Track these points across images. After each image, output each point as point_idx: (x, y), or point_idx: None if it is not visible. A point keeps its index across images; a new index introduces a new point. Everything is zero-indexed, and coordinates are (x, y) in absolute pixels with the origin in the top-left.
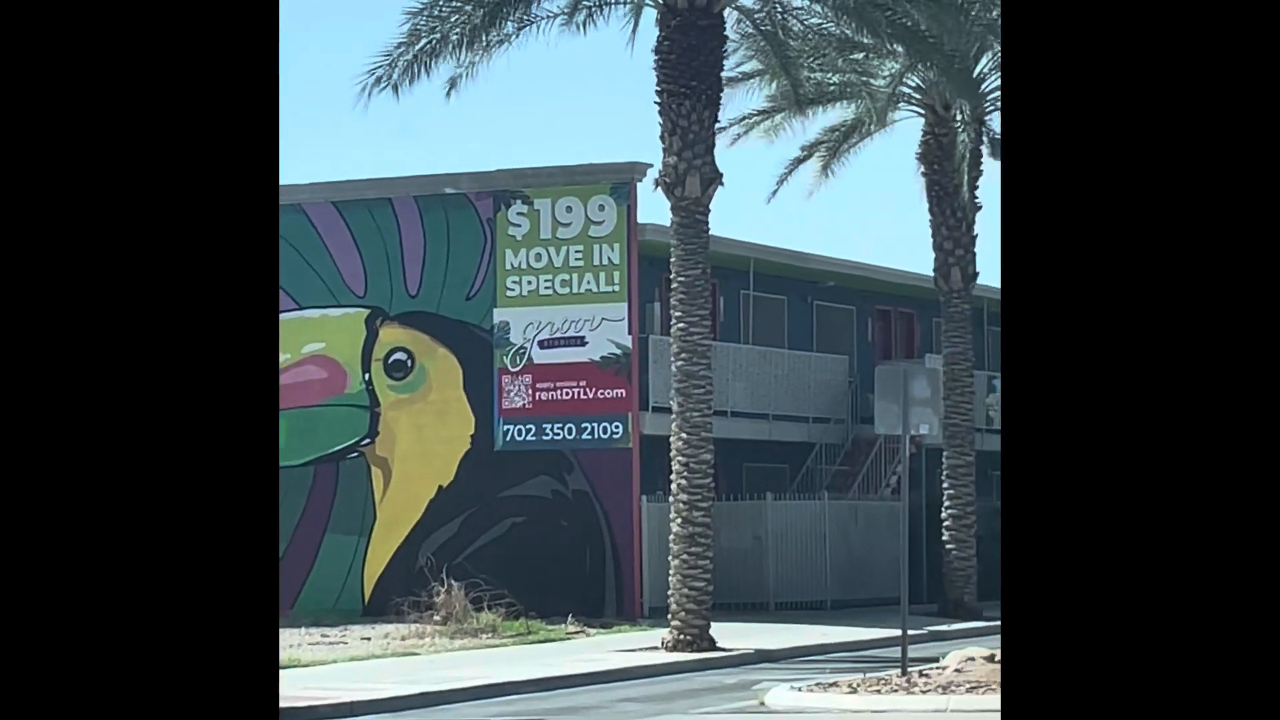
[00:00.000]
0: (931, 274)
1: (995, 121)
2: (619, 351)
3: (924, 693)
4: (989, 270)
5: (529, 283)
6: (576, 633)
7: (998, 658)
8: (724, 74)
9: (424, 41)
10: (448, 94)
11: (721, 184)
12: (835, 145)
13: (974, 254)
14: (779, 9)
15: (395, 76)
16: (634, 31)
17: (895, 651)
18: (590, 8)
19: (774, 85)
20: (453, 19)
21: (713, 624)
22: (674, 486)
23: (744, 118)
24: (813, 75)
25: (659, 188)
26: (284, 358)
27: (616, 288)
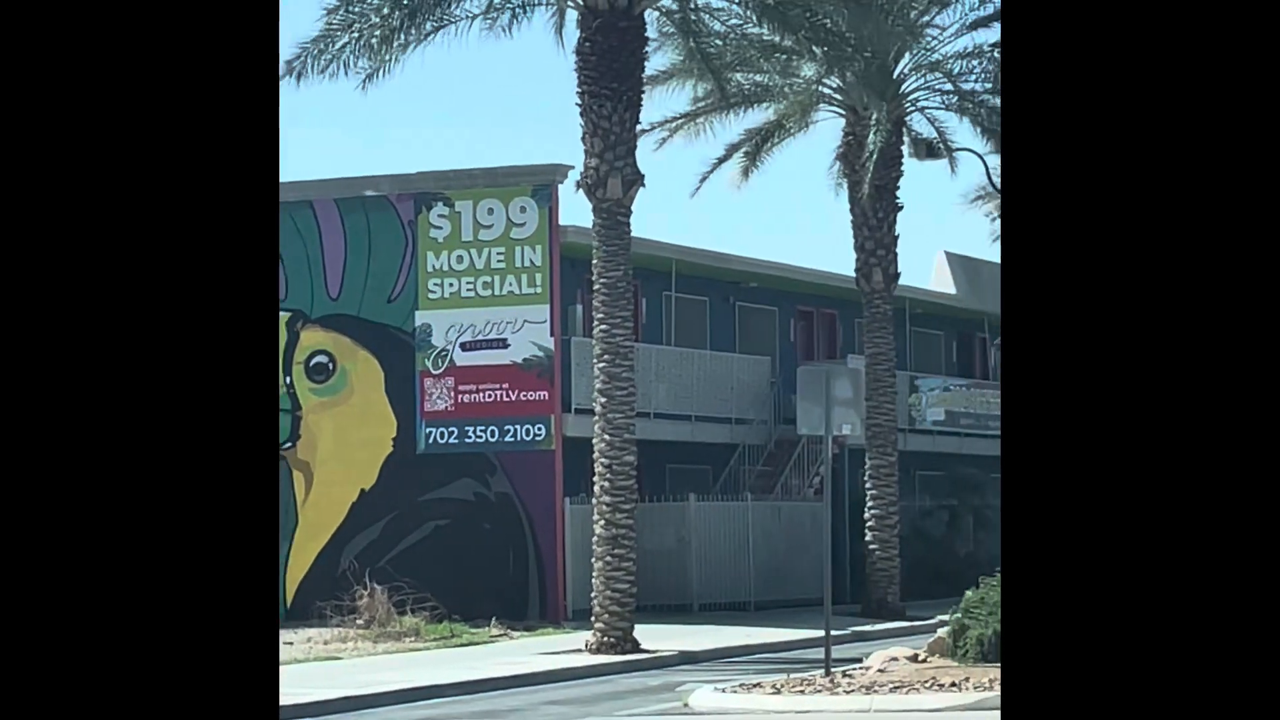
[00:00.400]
0: (853, 274)
1: (916, 122)
2: (541, 354)
3: (847, 693)
4: (910, 270)
5: (450, 285)
6: (500, 635)
7: (921, 657)
8: (646, 75)
9: (342, 40)
10: (362, 87)
11: (643, 185)
12: (757, 146)
13: (895, 254)
14: (700, 11)
15: (312, 73)
16: (559, 31)
17: (819, 652)
18: (512, 9)
19: (697, 87)
20: (372, 18)
21: (636, 626)
22: (597, 488)
23: (667, 121)
24: (735, 76)
25: (580, 189)
26: None
27: (538, 290)
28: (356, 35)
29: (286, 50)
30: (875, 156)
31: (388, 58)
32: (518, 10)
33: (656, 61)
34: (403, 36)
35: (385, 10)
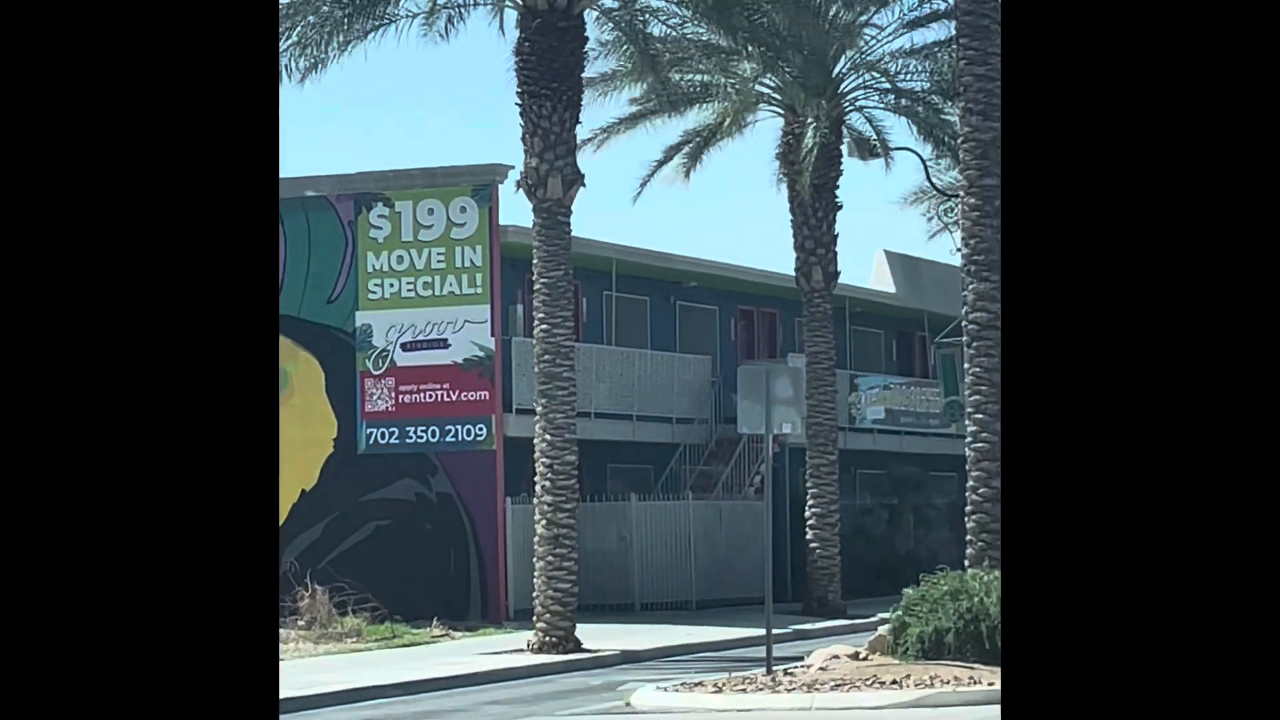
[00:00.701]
0: (793, 273)
1: (856, 121)
2: (482, 354)
3: (789, 691)
4: (849, 269)
5: (391, 285)
6: (441, 636)
7: (862, 655)
8: (585, 77)
9: (286, 37)
10: (301, 81)
11: (583, 185)
12: (697, 147)
13: (835, 253)
14: (640, 11)
15: None
16: (500, 28)
17: (760, 651)
18: (450, 10)
19: (637, 87)
20: (310, 17)
21: (578, 625)
22: (538, 488)
23: (609, 128)
24: (674, 77)
25: (521, 189)
26: None
27: (479, 290)
28: (295, 35)
29: None
30: (814, 155)
31: (326, 56)
32: (458, 10)
33: (595, 65)
34: (341, 35)
35: (324, 9)
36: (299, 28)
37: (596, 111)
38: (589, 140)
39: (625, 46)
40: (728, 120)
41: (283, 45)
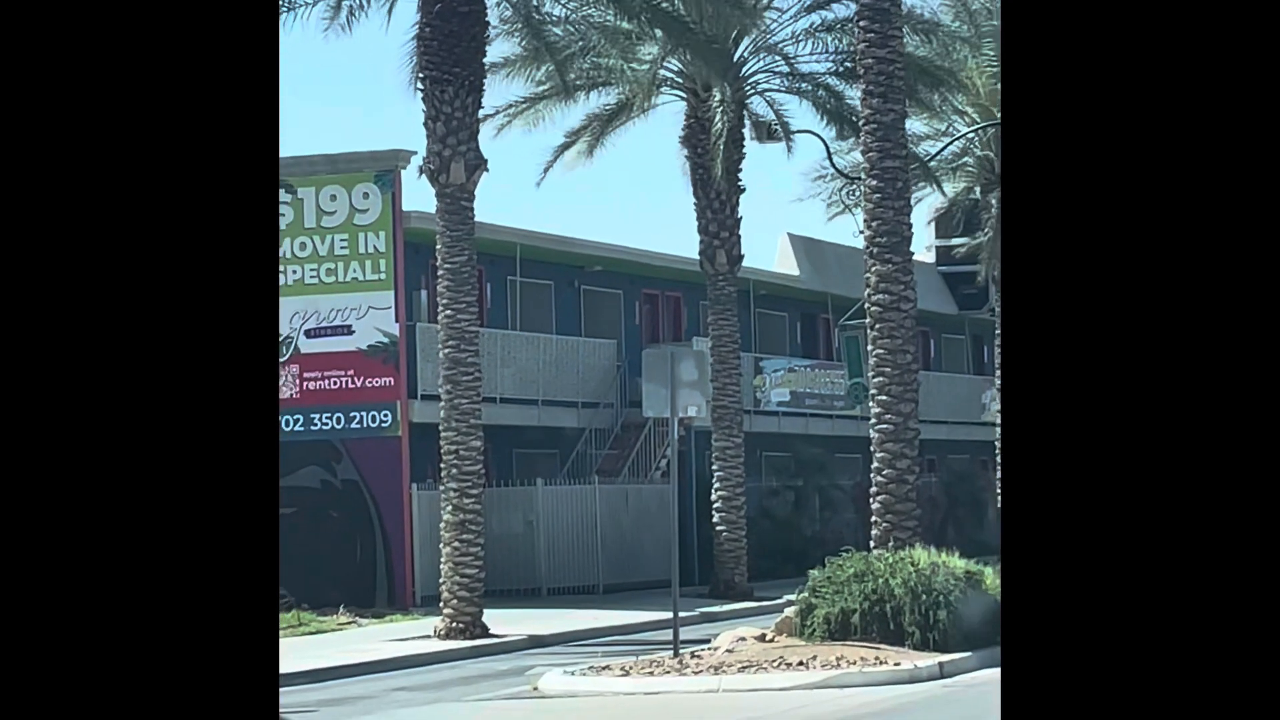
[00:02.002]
0: (697, 257)
1: (757, 105)
2: (386, 340)
3: (696, 673)
4: (753, 253)
5: (294, 272)
6: (348, 623)
7: (768, 637)
8: (487, 63)
9: None
10: None
11: (486, 170)
12: (599, 130)
13: (738, 236)
14: None
15: None
16: (389, 16)
17: (667, 634)
18: (350, 2)
19: (540, 71)
20: None
21: (485, 611)
22: (444, 474)
23: (509, 106)
24: (576, 61)
25: (423, 175)
26: None
27: (383, 276)
28: None
29: None
30: (724, 140)
31: None
32: (358, 3)
33: (496, 50)
34: None
35: None
36: None
37: (499, 96)
38: (489, 118)
39: (524, 31)
40: (631, 104)
41: None
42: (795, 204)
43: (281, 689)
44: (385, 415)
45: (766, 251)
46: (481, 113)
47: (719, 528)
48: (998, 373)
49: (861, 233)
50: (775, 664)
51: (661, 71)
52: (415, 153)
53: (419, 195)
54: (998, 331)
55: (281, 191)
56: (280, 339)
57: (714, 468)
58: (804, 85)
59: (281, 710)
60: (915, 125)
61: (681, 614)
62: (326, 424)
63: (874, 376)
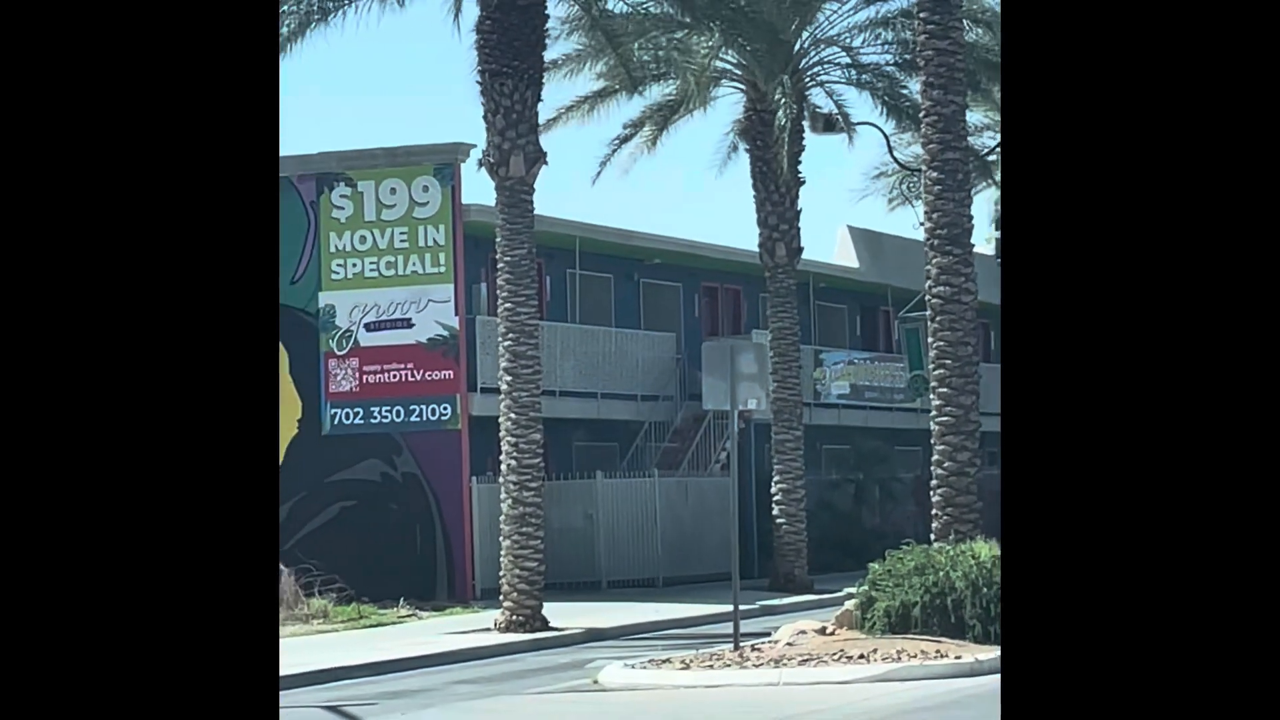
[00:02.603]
0: (756, 250)
1: (816, 96)
2: (446, 333)
3: (756, 667)
4: (813, 245)
5: (354, 265)
6: (408, 616)
7: (829, 630)
8: (546, 55)
9: None
10: None
11: (545, 163)
12: (658, 123)
13: (798, 229)
14: None
15: None
16: (457, 14)
17: (727, 627)
18: None
19: (599, 65)
20: None
21: (545, 604)
22: (503, 467)
23: (570, 107)
24: (636, 54)
25: (483, 168)
26: None
27: (442, 269)
28: None
29: None
30: (786, 133)
31: (288, 40)
32: None
33: (557, 44)
34: (302, 17)
35: None
36: None
37: (558, 90)
38: (552, 120)
39: (585, 23)
40: (689, 97)
41: None
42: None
43: (343, 681)
44: (445, 408)
45: (826, 244)
46: (541, 106)
47: (779, 521)
48: None
49: (922, 225)
50: (836, 657)
51: (720, 64)
52: (475, 146)
53: (479, 188)
54: None
55: (341, 185)
56: (340, 332)
57: (774, 461)
58: (864, 77)
59: (343, 703)
60: (975, 117)
61: (741, 607)
62: (386, 417)
63: (935, 369)
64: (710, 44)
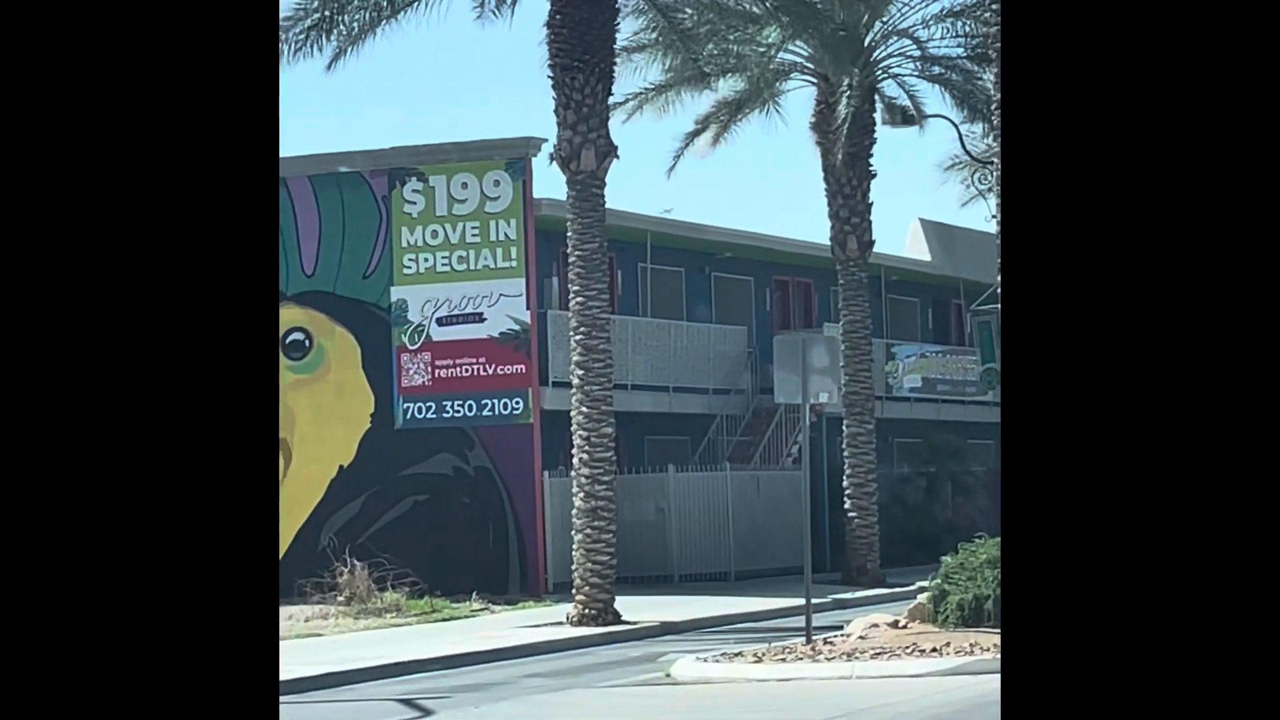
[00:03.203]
0: (828, 243)
1: (888, 89)
2: (518, 327)
3: (829, 660)
4: (884, 238)
5: (426, 260)
6: (481, 610)
7: (902, 623)
8: (617, 49)
9: (313, 17)
10: (329, 67)
11: (616, 157)
12: (729, 117)
13: (869, 222)
14: None
15: (288, 52)
16: (512, 7)
17: (799, 620)
18: None
19: (666, 59)
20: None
21: (617, 597)
22: (575, 461)
23: (637, 95)
24: (706, 47)
25: (554, 162)
26: None
27: (514, 263)
28: (327, 15)
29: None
30: (847, 124)
31: (358, 36)
32: None
33: (626, 32)
34: (373, 14)
35: None
36: (329, 8)
37: (629, 83)
38: (620, 105)
39: (654, 17)
40: (760, 90)
41: (313, 24)
42: (926, 189)
43: (416, 675)
44: (517, 402)
45: (897, 237)
46: (611, 100)
47: (851, 514)
48: None
49: (994, 218)
50: (909, 651)
51: (791, 57)
52: (546, 140)
53: (550, 182)
54: None
55: (413, 180)
56: (413, 326)
57: (845, 454)
58: (935, 69)
59: (416, 696)
60: None
61: (814, 601)
62: (458, 411)
63: None
64: (780, 37)
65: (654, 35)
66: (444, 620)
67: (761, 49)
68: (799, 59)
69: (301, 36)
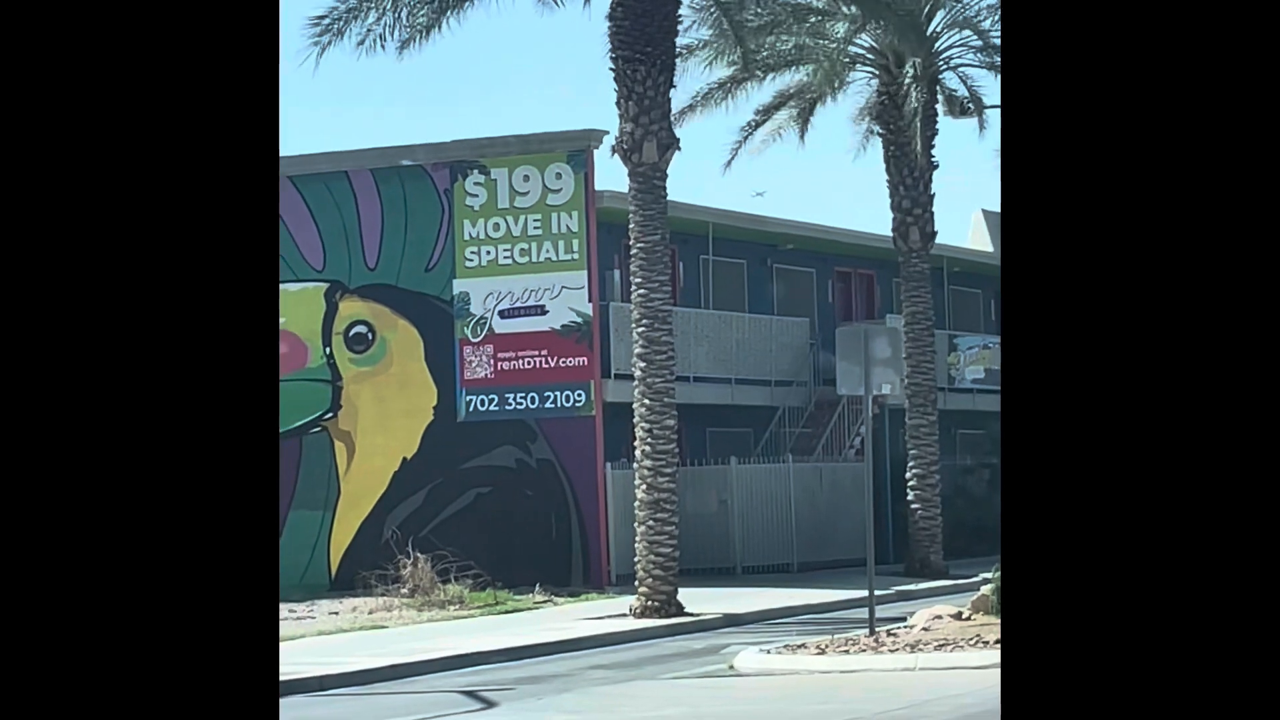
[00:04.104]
0: (890, 234)
1: (950, 80)
2: (580, 319)
3: (892, 652)
4: (947, 229)
5: (488, 253)
6: (544, 602)
7: (965, 615)
8: (679, 44)
9: (376, 11)
10: (400, 51)
11: (678, 149)
12: (792, 109)
13: (931, 213)
14: None
15: (348, 44)
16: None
17: (862, 612)
18: None
19: (728, 55)
20: None
21: (680, 589)
22: (638, 453)
23: (706, 91)
24: (767, 39)
25: (616, 154)
26: None
27: (576, 256)
28: (390, 6)
29: (321, 22)
30: (918, 116)
31: (423, 28)
32: None
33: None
34: (436, 7)
35: None
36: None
37: (691, 74)
38: (685, 107)
39: (714, 11)
40: (823, 82)
41: (375, 17)
42: (989, 179)
43: (479, 666)
44: (579, 394)
45: (960, 228)
46: (674, 93)
47: (913, 506)
48: None
49: None
50: (972, 642)
51: (853, 49)
52: (607, 132)
53: (612, 175)
54: None
55: (475, 172)
56: (475, 319)
57: (908, 446)
58: (997, 59)
59: (480, 687)
60: None
61: (877, 592)
62: (521, 403)
63: None
64: (845, 29)
65: (713, 32)
66: (507, 612)
67: (831, 41)
68: (860, 49)
69: (363, 31)
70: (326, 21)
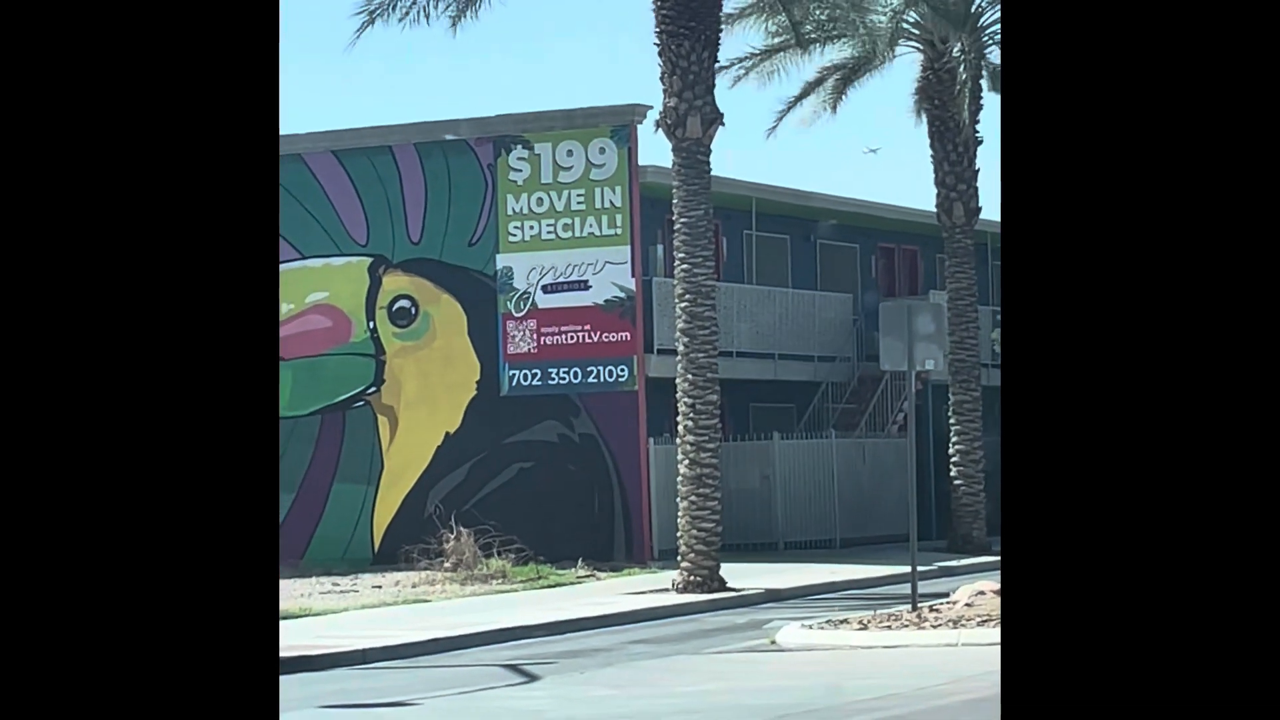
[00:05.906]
0: (934, 210)
1: (995, 55)
2: (623, 294)
3: (934, 627)
4: (991, 205)
5: (531, 227)
6: (586, 576)
7: None
8: (723, 13)
9: None
10: (453, 25)
11: (722, 124)
12: (837, 84)
13: (976, 188)
14: None
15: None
16: None
17: (905, 588)
18: None
19: (771, 24)
20: None
21: (722, 564)
22: (680, 428)
23: (744, 59)
24: (813, 14)
25: (660, 129)
26: (288, 308)
27: (619, 231)
28: None
29: None
30: (967, 92)
31: (465, 6)
32: None
33: (733, 3)
34: None
35: None
36: None
37: (735, 49)
38: (724, 69)
39: None
40: (868, 56)
41: None
42: None
43: (522, 640)
44: (622, 370)
45: None
46: (717, 66)
47: (956, 482)
48: None
49: None
50: None
51: (899, 23)
52: (651, 107)
53: (655, 150)
54: None
55: (518, 147)
56: (518, 294)
57: (951, 421)
58: None
59: (522, 661)
60: None
61: (919, 568)
62: (564, 378)
63: None
64: (888, 3)
65: (758, 2)
66: (549, 587)
67: (880, 14)
68: (905, 24)
69: (409, 3)
70: (376, 6)
